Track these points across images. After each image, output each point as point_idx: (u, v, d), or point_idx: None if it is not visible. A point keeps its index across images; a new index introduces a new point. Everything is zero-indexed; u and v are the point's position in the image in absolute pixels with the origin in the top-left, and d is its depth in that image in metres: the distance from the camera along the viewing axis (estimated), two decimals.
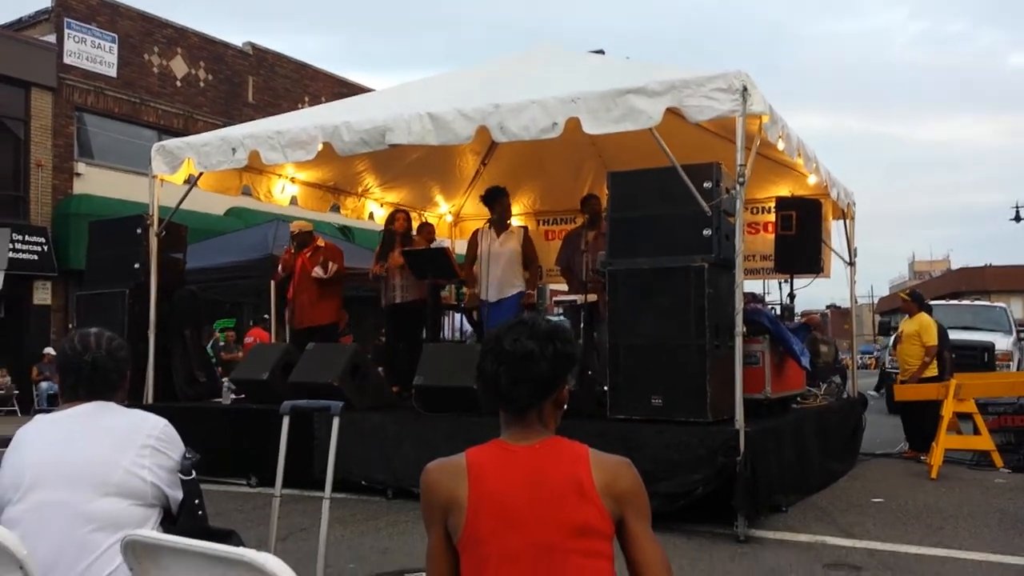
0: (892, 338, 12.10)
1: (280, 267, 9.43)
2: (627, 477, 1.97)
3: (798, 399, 8.31)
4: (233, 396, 8.39)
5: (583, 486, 1.92)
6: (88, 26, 18.26)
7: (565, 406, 2.05)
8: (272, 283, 12.64)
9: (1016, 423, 9.07)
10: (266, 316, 14.04)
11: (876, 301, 73.41)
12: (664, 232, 6.23)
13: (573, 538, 1.89)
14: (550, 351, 1.96)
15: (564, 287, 9.59)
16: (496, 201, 8.76)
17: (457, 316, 10.59)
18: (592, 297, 8.23)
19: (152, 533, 2.04)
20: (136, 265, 8.33)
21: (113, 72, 18.81)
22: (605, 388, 6.50)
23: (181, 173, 8.13)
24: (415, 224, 11.11)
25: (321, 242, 9.38)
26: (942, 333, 9.83)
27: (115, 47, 18.82)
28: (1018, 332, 16.06)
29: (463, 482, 1.96)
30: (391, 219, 9.37)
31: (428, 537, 2.03)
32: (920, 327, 9.54)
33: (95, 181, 18.23)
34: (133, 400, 7.54)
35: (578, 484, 1.92)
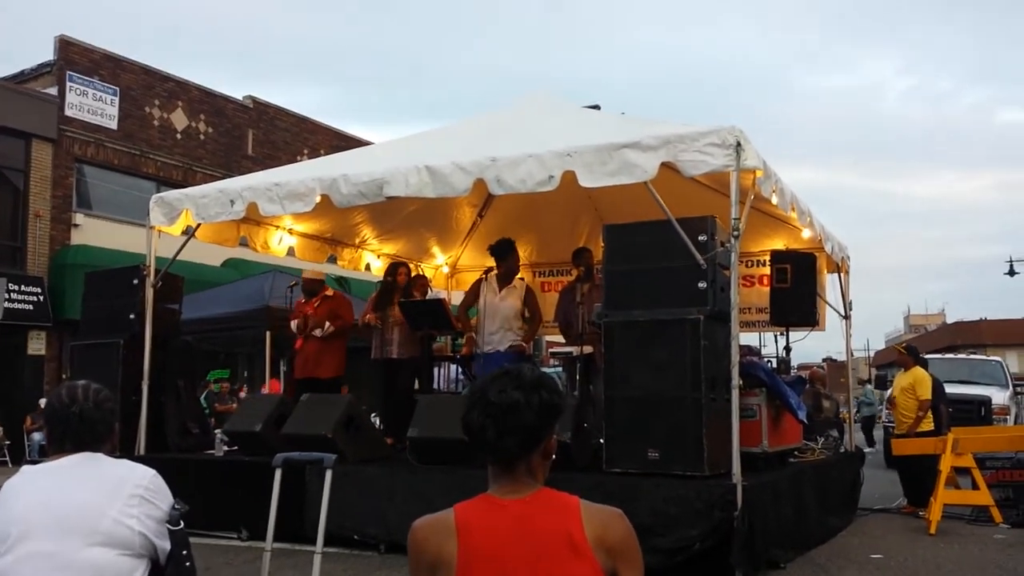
0: (888, 392, 12.06)
1: (294, 321, 9.21)
2: (619, 529, 1.92)
3: (795, 453, 8.25)
4: (225, 448, 8.32)
5: (574, 540, 1.86)
6: (90, 79, 18.46)
7: (553, 456, 2.00)
8: (267, 333, 12.66)
9: (1014, 478, 9.00)
10: (283, 368, 13.98)
11: (872, 355, 73.28)
12: (659, 284, 6.24)
13: None
14: (536, 401, 1.93)
15: (560, 339, 9.57)
16: (508, 254, 8.68)
17: (452, 367, 10.54)
18: (588, 349, 8.22)
19: None
20: (132, 316, 8.32)
21: (114, 124, 18.98)
22: (601, 440, 6.45)
23: (179, 224, 8.16)
24: (421, 275, 11.13)
25: (330, 291, 9.35)
26: (938, 387, 9.81)
27: (116, 99, 19.01)
28: (1015, 386, 16.03)
29: (452, 540, 1.90)
30: (393, 271, 9.34)
31: None
32: (915, 380, 9.52)
33: (93, 232, 18.29)
34: (125, 451, 7.48)
35: (569, 539, 1.87)
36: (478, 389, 1.98)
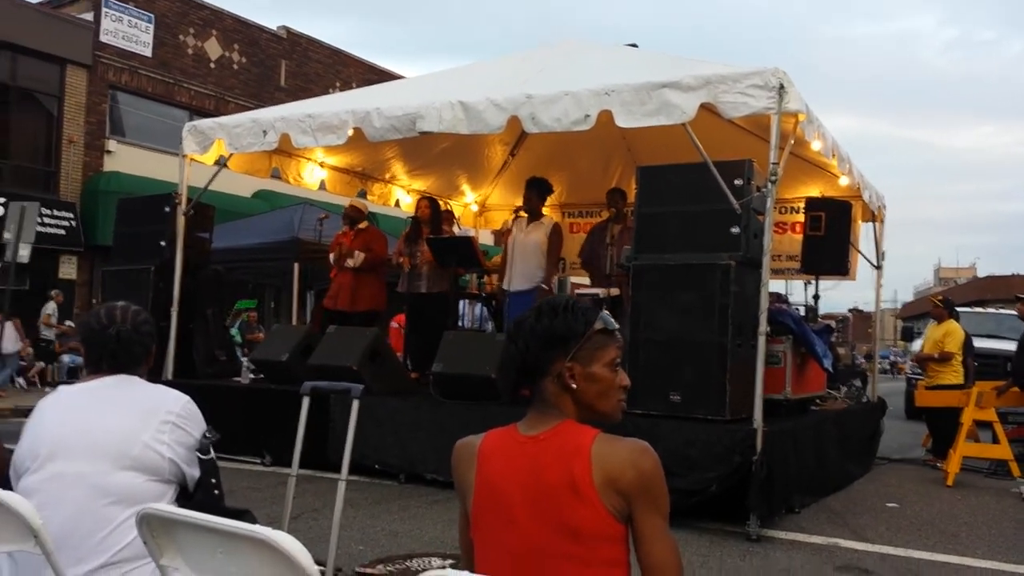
0: (917, 343, 12.01)
1: (332, 252, 9.28)
2: (636, 467, 1.78)
3: (818, 401, 8.27)
4: (252, 376, 8.46)
5: (577, 484, 1.75)
6: (125, 5, 18.39)
7: (574, 385, 1.85)
8: (296, 265, 12.76)
9: None
10: (310, 301, 14.07)
11: (900, 306, 72.64)
12: (692, 228, 6.18)
13: (564, 542, 1.75)
14: (526, 328, 1.87)
15: (587, 280, 9.55)
16: (530, 190, 8.64)
17: (478, 305, 10.59)
18: (615, 291, 8.21)
19: (168, 507, 2.04)
20: (162, 243, 8.39)
21: (148, 52, 18.95)
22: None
23: (211, 154, 8.18)
24: (452, 213, 11.10)
25: (364, 224, 9.36)
26: (967, 341, 9.75)
27: (151, 27, 18.95)
28: None
29: (473, 466, 1.90)
30: (419, 204, 9.38)
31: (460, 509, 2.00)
32: (946, 333, 9.46)
33: (126, 159, 18.39)
34: (153, 376, 7.57)
35: (572, 482, 1.75)
36: (517, 320, 1.94)
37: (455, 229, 10.13)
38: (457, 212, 11.23)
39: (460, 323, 10.09)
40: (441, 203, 10.74)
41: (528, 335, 1.86)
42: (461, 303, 10.36)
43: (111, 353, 2.51)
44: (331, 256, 9.20)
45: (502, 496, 1.83)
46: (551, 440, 1.82)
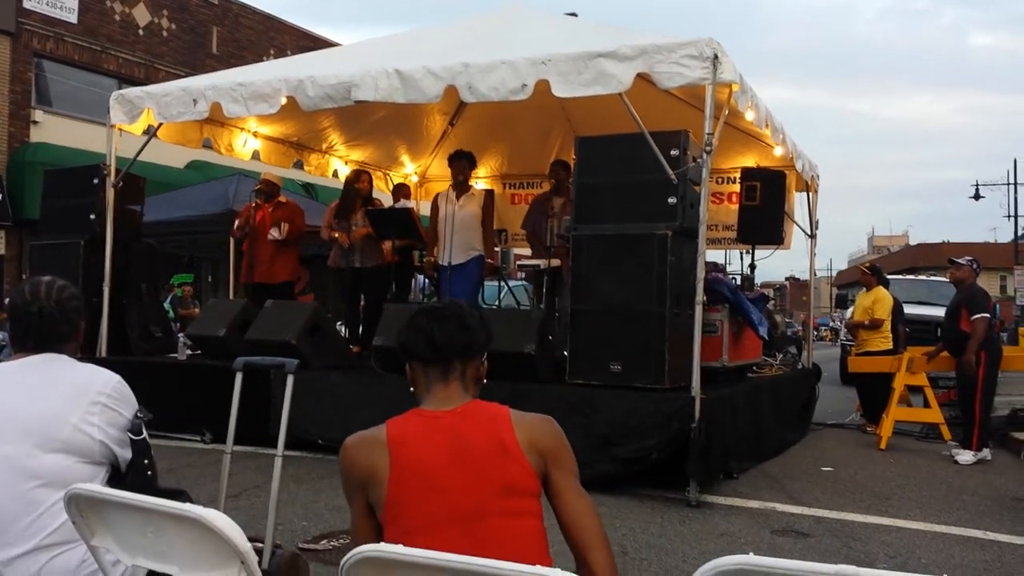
0: (849, 310, 12.28)
1: (237, 221, 9.11)
2: (550, 433, 2.01)
3: (754, 368, 8.42)
4: (189, 352, 8.31)
5: (506, 445, 1.94)
6: None
7: (484, 381, 2.15)
8: (231, 239, 12.50)
9: None
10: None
11: (835, 274, 74.29)
12: (629, 199, 6.21)
13: (499, 499, 1.90)
14: (476, 315, 2.14)
15: (528, 252, 9.55)
16: (457, 160, 8.52)
17: (420, 277, 10.52)
18: (556, 262, 8.23)
19: (97, 487, 1.99)
20: (92, 216, 8.16)
21: (74, 18, 18.30)
22: (565, 353, 6.51)
23: (140, 123, 7.96)
24: (391, 185, 10.97)
25: (283, 198, 9.18)
26: (897, 308, 9.98)
27: None
28: None
29: (383, 454, 1.96)
30: (355, 178, 9.10)
31: (351, 509, 2.03)
32: (876, 300, 9.67)
33: (53, 129, 17.80)
34: (86, 354, 7.42)
35: (501, 444, 1.94)
36: (423, 307, 2.19)
37: (404, 203, 10.01)
38: (396, 181, 11.13)
39: (408, 296, 10.05)
40: (383, 175, 10.63)
41: (479, 324, 2.12)
42: (419, 277, 10.30)
43: (36, 330, 2.42)
44: (236, 224, 9.04)
45: (428, 470, 1.92)
46: (469, 412, 2.01)
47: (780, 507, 5.74)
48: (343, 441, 2.06)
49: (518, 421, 1.99)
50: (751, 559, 1.29)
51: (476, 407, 2.03)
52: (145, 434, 2.44)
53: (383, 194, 10.73)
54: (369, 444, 2.00)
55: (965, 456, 7.66)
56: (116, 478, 2.41)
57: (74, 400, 2.34)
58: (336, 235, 8.71)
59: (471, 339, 2.10)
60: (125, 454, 2.41)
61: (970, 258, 8.32)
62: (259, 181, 9.18)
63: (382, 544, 1.50)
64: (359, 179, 9.04)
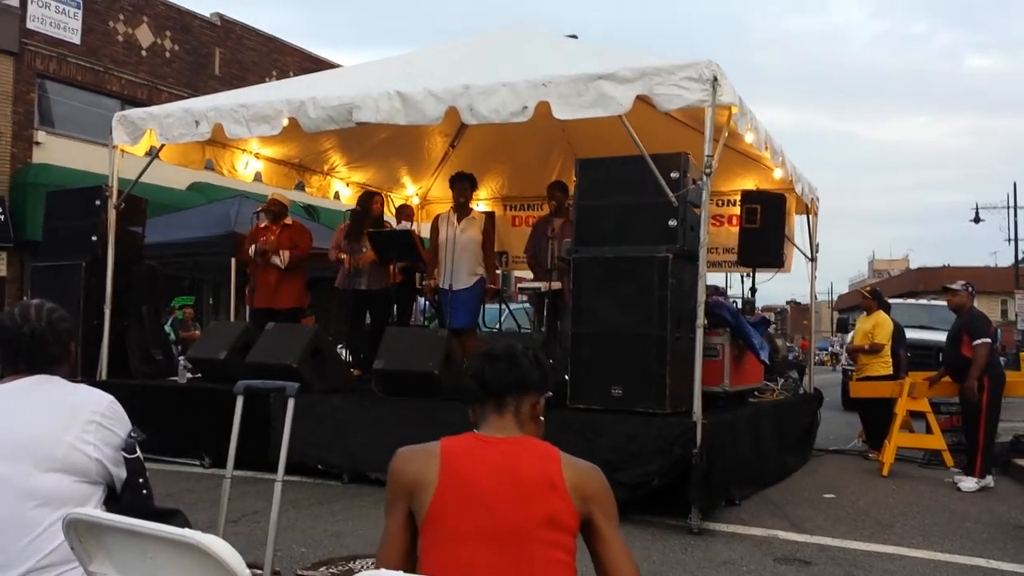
0: (850, 335, 12.26)
1: (248, 241, 9.03)
2: (596, 480, 2.08)
3: (755, 393, 8.38)
4: (189, 375, 8.27)
5: (554, 481, 2.01)
6: None
7: (542, 419, 2.22)
8: (233, 260, 12.49)
9: None
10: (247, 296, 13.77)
11: (835, 298, 74.25)
12: (630, 221, 6.21)
13: (543, 528, 1.95)
14: (531, 355, 2.23)
15: (530, 274, 9.54)
16: (459, 183, 8.52)
17: (421, 300, 10.51)
18: (557, 285, 8.22)
19: (95, 512, 1.98)
20: (94, 238, 8.15)
21: (77, 39, 18.39)
22: (566, 377, 6.49)
23: (143, 144, 7.98)
24: (393, 207, 10.95)
25: (289, 220, 9.17)
26: (899, 332, 9.95)
27: (79, 13, 18.39)
28: None
29: (434, 464, 2.03)
30: (367, 200, 9.09)
31: (387, 519, 2.08)
32: (876, 324, 9.64)
33: (55, 150, 17.83)
34: (87, 377, 7.39)
35: (550, 479, 2.01)
36: (480, 352, 2.28)
37: (405, 224, 10.00)
38: (397, 203, 11.13)
39: (410, 319, 10.04)
40: (384, 196, 10.61)
41: (534, 361, 2.23)
42: (420, 300, 10.27)
43: (27, 352, 2.44)
44: (250, 249, 8.89)
45: (477, 485, 2.00)
46: (522, 444, 2.10)
47: (782, 535, 5.69)
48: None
49: (567, 463, 2.07)
50: None
51: (529, 441, 2.12)
52: (139, 453, 2.45)
53: (388, 216, 10.74)
54: (422, 453, 2.08)
55: (968, 483, 7.61)
56: (112, 498, 2.42)
57: (69, 419, 2.35)
58: (344, 257, 8.72)
59: (521, 375, 2.18)
60: (120, 473, 2.41)
61: (964, 282, 8.30)
62: (267, 201, 9.15)
63: (384, 572, 1.52)
64: (371, 201, 9.05)
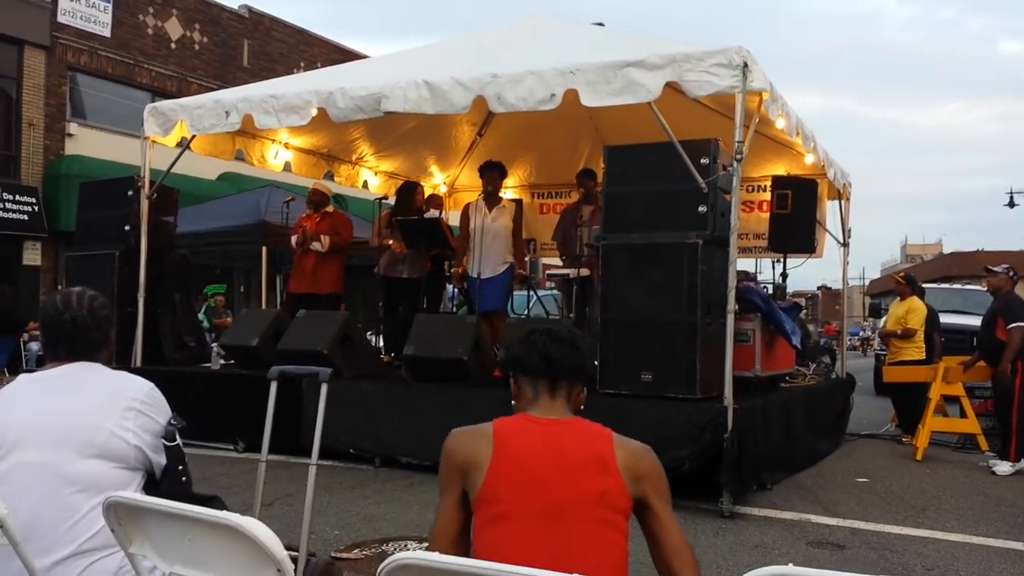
0: (883, 320, 12.14)
1: (292, 233, 9.20)
2: (649, 460, 2.11)
3: (787, 378, 8.33)
4: (222, 361, 8.37)
5: (605, 461, 2.03)
6: None
7: (582, 407, 2.23)
8: (264, 248, 12.61)
9: None
10: (279, 284, 13.92)
11: (867, 283, 73.47)
12: (659, 208, 6.19)
13: (594, 505, 1.97)
14: (585, 345, 2.27)
15: (557, 261, 9.54)
16: (488, 171, 8.58)
17: (450, 287, 10.55)
18: (585, 272, 8.21)
19: (135, 495, 2.02)
20: (126, 227, 8.25)
21: (107, 32, 18.60)
22: (596, 363, 6.49)
23: (174, 135, 8.05)
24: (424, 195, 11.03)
25: (330, 208, 9.26)
26: (933, 317, 9.85)
27: (109, 6, 18.59)
28: None
29: (487, 444, 2.06)
30: (411, 191, 9.26)
31: (441, 498, 2.11)
32: (909, 310, 9.55)
33: (87, 142, 18.07)
34: (121, 364, 7.51)
35: (601, 459, 2.03)
36: (537, 327, 2.29)
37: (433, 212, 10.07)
38: (426, 193, 11.16)
39: (440, 306, 10.10)
40: (425, 187, 10.69)
41: (589, 352, 2.28)
42: (448, 287, 10.33)
43: (68, 339, 2.47)
44: (293, 239, 9.06)
45: (528, 463, 2.02)
46: (574, 425, 2.11)
47: (815, 518, 5.67)
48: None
49: (619, 443, 2.09)
50: (790, 570, 1.28)
51: (581, 422, 2.13)
52: (179, 440, 2.47)
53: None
54: (475, 434, 2.11)
55: (1003, 467, 7.54)
56: (151, 484, 2.44)
57: (109, 406, 2.38)
58: (391, 242, 8.82)
59: (581, 362, 2.22)
60: (160, 460, 2.43)
61: (1007, 265, 8.22)
62: (309, 191, 9.29)
63: (419, 552, 1.53)
64: (415, 190, 9.23)
